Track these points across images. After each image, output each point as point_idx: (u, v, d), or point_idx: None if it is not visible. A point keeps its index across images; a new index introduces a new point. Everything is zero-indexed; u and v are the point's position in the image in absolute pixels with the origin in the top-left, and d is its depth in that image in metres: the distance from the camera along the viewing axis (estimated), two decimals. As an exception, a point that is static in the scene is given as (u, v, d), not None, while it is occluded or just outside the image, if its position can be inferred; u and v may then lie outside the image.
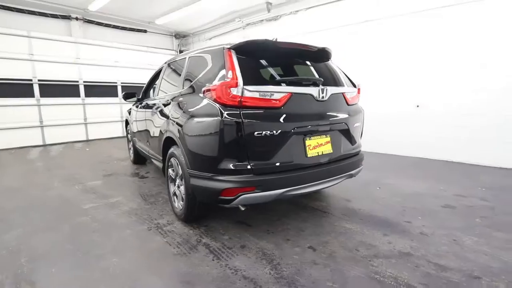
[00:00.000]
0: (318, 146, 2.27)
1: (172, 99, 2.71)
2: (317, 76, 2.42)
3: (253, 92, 1.97)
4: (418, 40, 5.10)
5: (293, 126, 2.09)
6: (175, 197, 2.77)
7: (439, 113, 4.99)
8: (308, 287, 1.74)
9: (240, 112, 1.95)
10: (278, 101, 2.04)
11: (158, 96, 3.39)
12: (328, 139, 2.35)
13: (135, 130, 4.41)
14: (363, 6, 5.75)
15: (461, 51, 4.65)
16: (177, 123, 2.39)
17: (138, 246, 2.24)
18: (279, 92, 2.05)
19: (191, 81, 2.52)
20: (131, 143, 5.01)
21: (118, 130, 8.57)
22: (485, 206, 2.98)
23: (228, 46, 2.16)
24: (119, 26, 8.23)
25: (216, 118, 1.97)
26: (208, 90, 2.10)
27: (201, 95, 2.22)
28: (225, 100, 1.96)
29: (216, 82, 2.10)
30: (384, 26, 5.51)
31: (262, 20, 7.57)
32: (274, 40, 2.24)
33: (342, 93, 2.44)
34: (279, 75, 2.23)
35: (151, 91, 4.19)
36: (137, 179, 4.11)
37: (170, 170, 2.78)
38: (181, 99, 2.53)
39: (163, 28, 9.03)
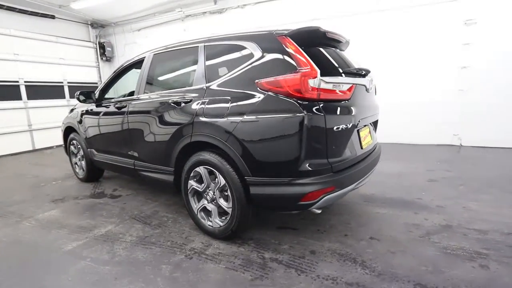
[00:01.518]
0: (365, 137, 2.29)
1: (194, 96, 2.23)
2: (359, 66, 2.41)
3: (328, 83, 1.82)
4: (373, 39, 5.75)
5: (358, 118, 2.03)
6: (202, 213, 2.32)
7: (387, 102, 5.80)
8: (412, 277, 1.75)
9: (320, 106, 1.77)
10: (347, 93, 1.94)
11: (146, 94, 2.74)
12: (368, 130, 2.39)
13: (94, 139, 3.49)
14: (312, 5, 6.09)
15: (404, 51, 5.50)
16: (221, 124, 1.99)
17: (198, 281, 1.78)
18: (347, 84, 1.95)
19: (224, 74, 2.13)
20: (79, 157, 3.94)
21: (26, 142, 6.62)
22: (454, 176, 3.63)
23: (285, 33, 1.92)
24: (15, 8, 6.25)
25: (296, 115, 1.72)
26: (274, 83, 1.82)
27: (253, 91, 1.90)
28: (304, 94, 1.73)
29: (279, 74, 1.83)
30: (334, 25, 5.96)
31: (205, 12, 7.11)
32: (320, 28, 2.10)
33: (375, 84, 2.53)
34: (333, 65, 2.11)
35: (119, 89, 3.38)
36: (109, 200, 3.27)
37: (192, 182, 2.31)
38: (213, 95, 2.11)
39: (77, 15, 7.39)
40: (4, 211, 3.06)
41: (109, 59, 8.58)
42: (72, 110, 4.12)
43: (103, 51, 8.34)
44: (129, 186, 3.75)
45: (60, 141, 7.40)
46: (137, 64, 3.08)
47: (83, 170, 3.92)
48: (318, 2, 6.03)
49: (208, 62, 2.28)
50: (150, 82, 2.81)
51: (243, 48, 2.08)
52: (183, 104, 2.29)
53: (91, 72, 8.21)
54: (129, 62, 3.18)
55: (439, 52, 5.25)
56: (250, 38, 2.06)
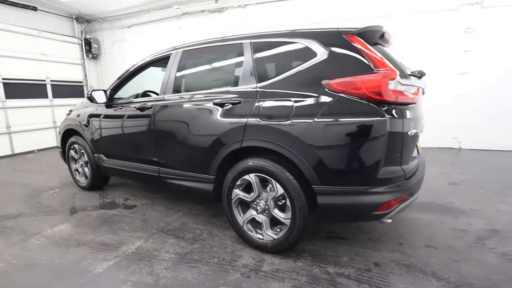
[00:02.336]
0: (418, 143, 2.22)
1: (244, 97, 2.04)
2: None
3: (403, 85, 1.72)
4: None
5: (421, 122, 1.96)
6: (249, 225, 2.13)
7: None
8: (489, 287, 1.68)
9: (398, 110, 1.66)
10: (415, 96, 1.86)
11: (176, 95, 2.50)
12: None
13: (104, 144, 3.15)
14: (315, 7, 6.06)
15: (408, 56, 5.60)
16: (285, 128, 1.81)
17: (270, 303, 1.59)
18: (415, 86, 1.87)
19: (279, 73, 1.97)
20: (81, 163, 3.55)
21: (4, 146, 5.94)
22: (471, 179, 3.71)
23: (353, 31, 1.80)
24: (-7, -4, 5.63)
25: (378, 119, 1.60)
26: (348, 84, 1.68)
27: (319, 92, 1.76)
28: (384, 96, 1.62)
29: (350, 74, 1.70)
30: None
31: (204, 11, 6.85)
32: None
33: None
34: (397, 66, 2.01)
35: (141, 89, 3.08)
36: (124, 211, 2.95)
37: (238, 192, 2.12)
38: (269, 96, 1.93)
39: (61, 7, 6.81)
40: (0, 227, 2.64)
41: (95, 57, 8.00)
42: (70, 112, 3.73)
43: (89, 48, 7.76)
44: (141, 194, 3.43)
45: (43, 144, 6.83)
46: (159, 61, 2.83)
47: (86, 177, 3.54)
48: (321, 5, 6.01)
49: (258, 61, 2.10)
50: (180, 81, 2.58)
51: (302, 46, 1.93)
52: (229, 106, 2.09)
53: (76, 70, 7.60)
54: (148, 59, 2.89)
55: (441, 58, 5.43)
56: (310, 36, 1.92)
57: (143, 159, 2.77)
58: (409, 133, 1.73)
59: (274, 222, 2.05)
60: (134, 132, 2.79)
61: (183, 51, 2.57)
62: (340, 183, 1.73)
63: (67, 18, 7.41)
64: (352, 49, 1.76)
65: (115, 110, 2.99)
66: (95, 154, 3.29)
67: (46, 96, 6.73)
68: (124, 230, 2.53)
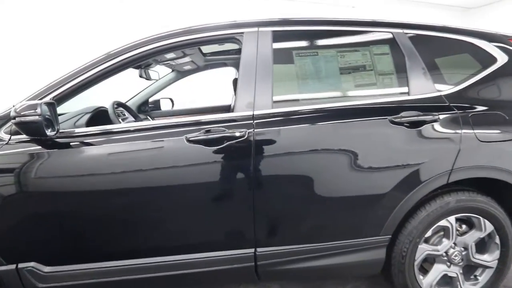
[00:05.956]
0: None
1: (432, 110, 1.40)
2: None
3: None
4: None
5: None
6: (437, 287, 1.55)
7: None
8: None
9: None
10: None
11: (287, 106, 1.38)
12: None
13: (54, 233, 1.31)
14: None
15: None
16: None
17: None
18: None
19: (462, 77, 1.53)
20: None
21: None
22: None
23: (513, 35, 1.67)
24: None
25: None
26: None
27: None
28: None
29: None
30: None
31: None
32: None
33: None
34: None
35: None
36: None
37: (425, 246, 1.50)
38: (473, 109, 1.44)
39: None
40: None
41: None
42: None
43: None
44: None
45: None
46: (193, 44, 1.53)
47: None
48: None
49: (427, 60, 1.51)
50: (286, 85, 1.47)
51: (477, 47, 1.58)
52: (425, 126, 1.37)
53: None
54: (165, 41, 1.39)
55: None
56: (480, 36, 1.60)
57: (202, 244, 1.35)
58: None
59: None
60: (182, 193, 1.29)
61: (273, 31, 1.44)
62: None
63: None
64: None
65: (109, 151, 1.26)
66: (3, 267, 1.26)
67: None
68: None
